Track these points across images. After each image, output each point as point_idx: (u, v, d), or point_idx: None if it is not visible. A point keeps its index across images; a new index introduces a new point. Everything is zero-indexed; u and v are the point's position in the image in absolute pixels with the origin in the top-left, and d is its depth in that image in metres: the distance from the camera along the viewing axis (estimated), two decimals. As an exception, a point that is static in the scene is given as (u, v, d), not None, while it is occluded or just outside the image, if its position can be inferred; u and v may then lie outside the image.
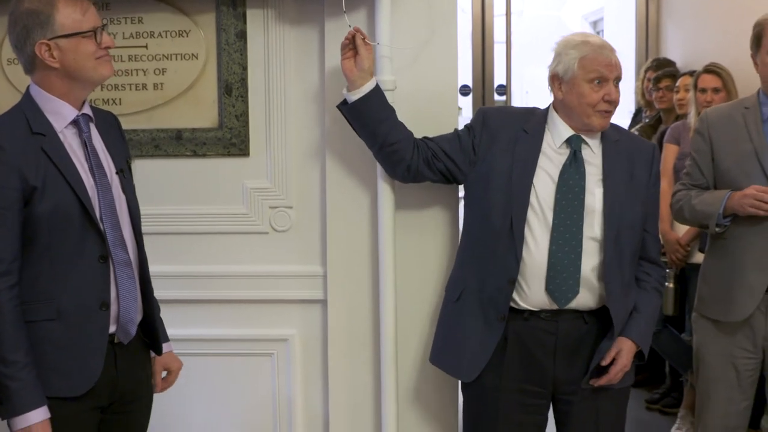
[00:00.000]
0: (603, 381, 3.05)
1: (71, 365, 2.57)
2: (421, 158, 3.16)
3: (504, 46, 7.28)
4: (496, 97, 7.34)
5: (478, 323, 3.09)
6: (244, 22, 3.41)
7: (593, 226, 3.04)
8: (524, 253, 3.02)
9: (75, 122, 2.64)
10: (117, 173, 2.72)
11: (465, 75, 7.12)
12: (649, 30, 7.44)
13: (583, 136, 3.10)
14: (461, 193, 3.32)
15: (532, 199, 3.04)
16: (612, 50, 3.07)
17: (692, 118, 4.93)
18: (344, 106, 3.18)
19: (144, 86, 3.46)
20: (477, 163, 3.14)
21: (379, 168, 3.31)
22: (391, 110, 3.19)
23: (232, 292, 3.50)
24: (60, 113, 2.61)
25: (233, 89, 3.44)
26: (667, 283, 4.96)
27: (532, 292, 3.04)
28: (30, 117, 2.57)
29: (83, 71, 2.61)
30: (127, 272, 2.67)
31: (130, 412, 2.80)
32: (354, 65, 3.14)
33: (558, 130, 3.11)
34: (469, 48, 7.19)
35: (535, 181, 3.05)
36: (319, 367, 3.54)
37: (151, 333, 2.87)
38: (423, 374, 3.44)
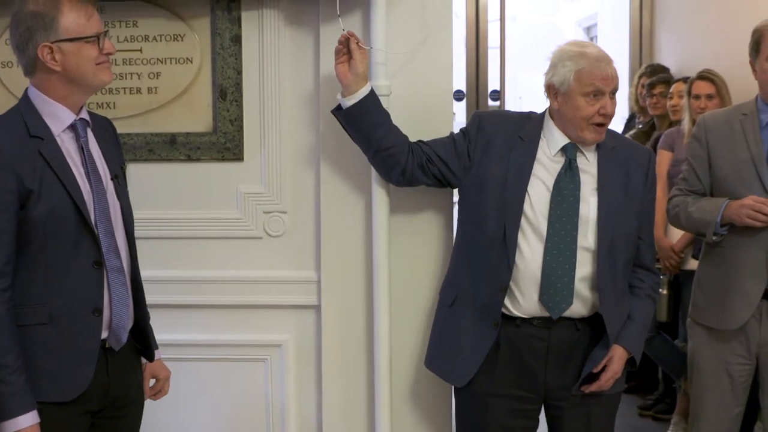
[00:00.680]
0: (594, 387, 3.05)
1: (62, 370, 2.56)
2: (415, 162, 3.15)
3: (498, 51, 7.29)
4: (490, 102, 7.35)
5: (472, 329, 3.09)
6: (239, 26, 3.41)
7: (587, 235, 3.03)
8: (517, 262, 3.02)
9: (72, 126, 2.63)
10: (112, 179, 2.71)
11: (459, 80, 7.12)
12: (642, 36, 7.46)
13: (579, 145, 3.09)
14: (456, 197, 3.32)
15: (526, 207, 3.03)
16: (609, 62, 3.04)
17: (686, 125, 4.94)
18: (339, 112, 3.18)
19: (138, 90, 3.46)
20: (471, 168, 3.14)
21: (373, 172, 3.30)
22: (386, 115, 3.18)
23: (225, 297, 3.49)
24: (58, 117, 2.60)
25: (228, 94, 3.43)
26: (660, 290, 4.96)
27: (524, 301, 3.03)
28: (28, 120, 2.57)
29: (84, 76, 2.60)
30: (119, 279, 2.66)
31: (121, 417, 2.79)
32: (348, 70, 3.13)
33: (554, 138, 3.10)
34: (463, 53, 7.20)
35: (529, 188, 3.04)
36: (312, 372, 3.53)
37: (143, 339, 2.86)
38: (417, 379, 3.44)
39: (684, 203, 3.54)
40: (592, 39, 10.83)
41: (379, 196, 3.32)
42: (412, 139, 3.20)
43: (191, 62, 3.45)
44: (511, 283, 3.02)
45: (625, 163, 3.13)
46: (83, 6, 2.60)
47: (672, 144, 5.09)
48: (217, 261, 3.50)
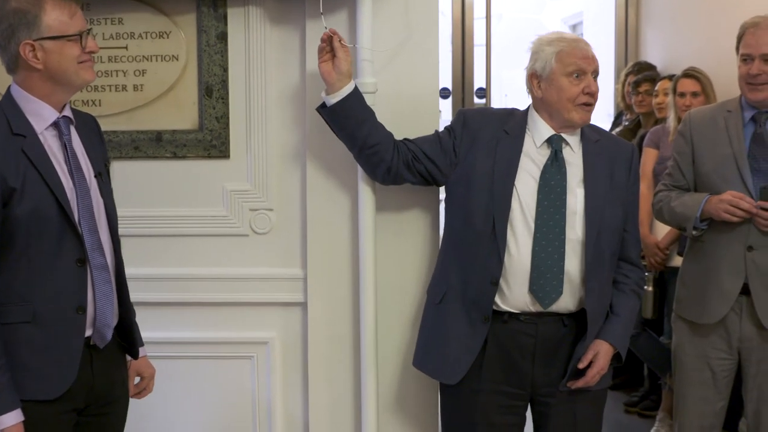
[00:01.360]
0: (580, 383, 3.06)
1: (47, 368, 2.56)
2: (401, 160, 3.16)
3: (483, 49, 7.30)
4: (476, 99, 7.35)
5: (462, 325, 3.09)
6: (225, 23, 3.41)
7: (575, 227, 3.05)
8: (506, 255, 3.03)
9: (55, 124, 2.62)
10: (95, 176, 2.71)
11: (445, 78, 7.12)
12: (628, 34, 7.47)
13: (564, 136, 3.11)
14: (442, 195, 3.32)
15: (514, 200, 3.04)
16: (587, 44, 3.10)
17: (671, 122, 4.96)
18: (323, 109, 3.18)
19: (124, 87, 3.45)
20: (458, 165, 3.14)
21: (359, 170, 3.30)
22: (371, 112, 3.18)
23: (211, 294, 3.49)
24: (41, 115, 2.59)
25: (214, 91, 3.43)
26: (645, 287, 4.95)
27: (513, 294, 3.04)
28: (10, 118, 2.55)
29: (66, 74, 2.60)
30: (104, 276, 2.65)
31: (106, 414, 2.78)
32: (332, 68, 3.13)
33: (539, 130, 3.12)
34: (449, 51, 7.20)
35: (516, 182, 3.06)
36: (299, 369, 3.53)
37: (128, 337, 2.86)
38: (403, 377, 3.44)
39: (667, 198, 3.56)
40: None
41: (366, 193, 3.32)
42: (399, 136, 3.20)
43: (177, 59, 3.44)
44: (501, 277, 3.03)
45: (609, 155, 3.15)
46: (66, 4, 2.59)
47: (657, 141, 5.11)
48: (203, 258, 3.50)
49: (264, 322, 3.52)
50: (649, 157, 5.09)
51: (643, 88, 5.74)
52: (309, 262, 3.45)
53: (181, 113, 3.46)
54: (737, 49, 3.47)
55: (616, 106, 6.73)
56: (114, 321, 2.73)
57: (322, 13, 3.22)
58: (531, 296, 3.03)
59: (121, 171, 3.41)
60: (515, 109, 3.25)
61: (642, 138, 5.35)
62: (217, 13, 3.41)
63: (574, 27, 10.99)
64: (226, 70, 3.43)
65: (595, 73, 3.07)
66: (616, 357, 3.14)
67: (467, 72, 7.21)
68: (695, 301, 3.54)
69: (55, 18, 2.56)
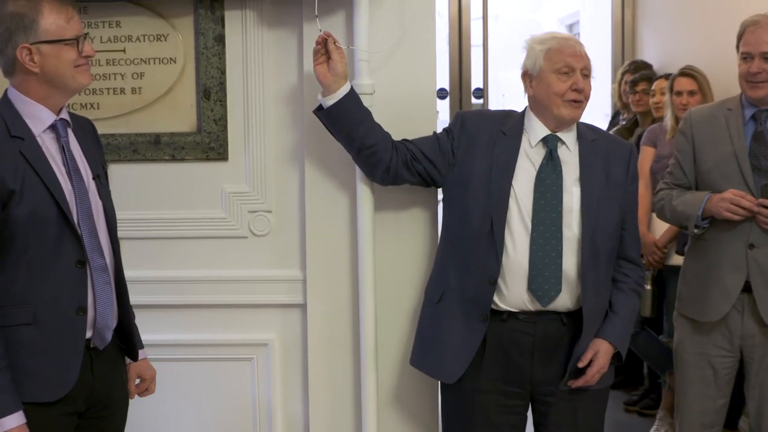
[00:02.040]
0: (580, 383, 3.07)
1: (47, 370, 2.56)
2: (400, 160, 3.17)
3: (481, 49, 7.29)
4: (473, 100, 7.35)
5: (460, 324, 3.10)
6: (222, 26, 3.41)
7: (571, 225, 3.06)
8: (504, 254, 3.04)
9: (53, 127, 2.63)
10: (93, 178, 2.71)
11: (442, 78, 7.12)
12: (625, 33, 7.47)
13: (560, 135, 3.12)
14: (440, 195, 3.32)
15: (511, 199, 3.05)
16: (578, 43, 3.12)
17: (668, 121, 4.96)
18: (320, 112, 3.18)
19: (122, 90, 3.45)
20: (456, 165, 3.15)
21: (358, 171, 3.31)
22: (368, 113, 3.19)
23: (211, 296, 3.49)
24: (38, 117, 2.60)
25: (212, 93, 3.43)
26: (645, 285, 4.98)
27: (511, 293, 3.05)
28: (8, 120, 2.56)
29: (62, 78, 2.60)
30: (103, 278, 2.66)
31: (106, 416, 2.79)
32: (327, 70, 3.14)
33: (534, 130, 3.13)
34: (446, 51, 7.20)
35: (513, 182, 3.07)
36: (298, 371, 3.53)
37: (127, 339, 2.86)
38: (403, 377, 3.44)
39: (669, 196, 3.57)
40: (574, 36, 10.84)
41: (364, 194, 3.33)
42: (397, 137, 3.21)
43: (175, 62, 3.45)
44: (499, 276, 3.04)
45: (606, 155, 3.16)
46: (63, 8, 2.60)
47: (655, 140, 5.11)
48: (202, 261, 3.50)
49: (263, 324, 3.52)
50: (646, 156, 5.09)
51: (640, 87, 5.74)
52: (308, 264, 3.45)
53: (179, 116, 3.47)
54: (737, 47, 3.48)
55: (613, 105, 6.73)
56: (114, 322, 2.74)
57: (317, 16, 3.22)
58: (529, 295, 3.04)
59: (119, 174, 3.41)
60: (513, 110, 3.27)
61: (639, 137, 5.35)
62: (214, 16, 3.41)
63: (570, 27, 11.00)
64: (223, 72, 3.43)
65: (586, 71, 3.09)
66: (616, 356, 3.15)
67: (464, 72, 7.21)
68: (697, 299, 3.55)
69: (52, 22, 2.57)
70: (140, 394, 3.00)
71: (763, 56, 3.38)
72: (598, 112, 7.73)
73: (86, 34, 2.66)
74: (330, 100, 3.13)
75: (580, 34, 9.99)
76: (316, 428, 3.51)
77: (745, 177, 3.40)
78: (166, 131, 3.46)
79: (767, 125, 3.45)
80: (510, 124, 3.17)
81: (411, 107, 3.37)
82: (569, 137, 3.14)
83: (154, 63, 3.45)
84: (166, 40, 3.44)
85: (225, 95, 3.44)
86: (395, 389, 3.48)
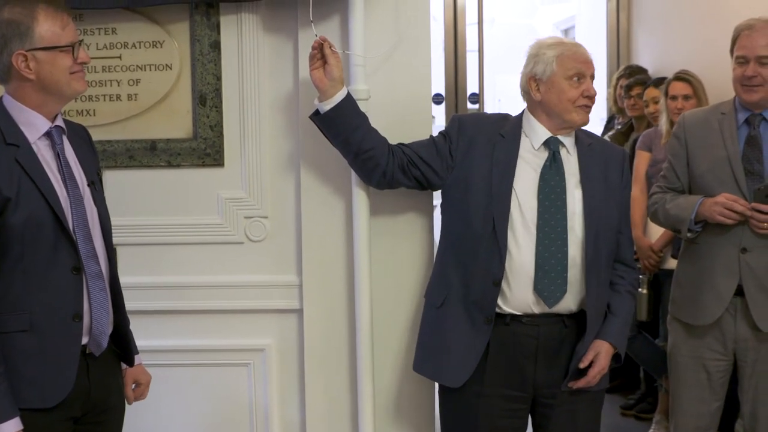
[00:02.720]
0: (582, 383, 3.08)
1: (44, 376, 2.56)
2: (396, 164, 3.17)
3: (476, 54, 7.30)
4: (469, 105, 7.37)
5: (465, 327, 3.11)
6: (218, 32, 3.41)
7: (574, 227, 3.08)
8: (507, 256, 3.05)
9: (48, 134, 2.63)
10: (88, 185, 2.72)
11: (437, 83, 7.13)
12: (620, 37, 7.49)
13: (560, 138, 3.14)
14: (436, 200, 3.33)
15: (513, 201, 3.07)
16: (586, 49, 3.17)
17: (663, 125, 4.97)
18: (317, 117, 3.19)
19: (118, 97, 3.46)
20: (455, 168, 3.16)
21: (353, 176, 3.31)
22: (364, 117, 3.20)
23: (207, 302, 3.49)
24: (33, 125, 2.61)
25: (207, 99, 3.44)
26: (640, 289, 4.99)
27: (515, 295, 3.06)
28: (3, 128, 2.57)
29: (58, 85, 2.61)
30: (99, 284, 2.67)
31: (102, 422, 2.79)
32: (324, 75, 3.14)
33: (536, 133, 3.15)
34: (442, 56, 7.20)
35: (515, 183, 3.09)
36: (295, 376, 3.53)
37: (123, 345, 2.87)
38: (400, 382, 3.45)
39: (662, 200, 3.58)
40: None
41: (360, 199, 3.33)
42: (392, 142, 3.21)
43: (170, 68, 3.45)
44: (503, 278, 3.06)
45: (603, 158, 3.21)
46: (59, 15, 2.61)
47: (650, 144, 5.12)
48: (198, 266, 3.50)
49: (260, 329, 3.52)
50: (641, 160, 5.11)
51: (635, 91, 5.75)
52: (304, 269, 3.45)
53: (175, 122, 3.47)
54: (731, 51, 3.49)
55: (609, 109, 6.74)
56: (109, 328, 2.74)
57: (312, 21, 3.23)
58: (535, 296, 3.05)
59: (115, 180, 3.42)
60: (508, 114, 3.28)
61: (635, 141, 5.36)
62: (210, 22, 3.41)
63: (566, 31, 11.01)
64: (219, 78, 3.44)
65: (593, 77, 3.14)
66: (615, 357, 3.17)
67: (460, 77, 7.21)
68: (690, 303, 3.56)
69: (47, 29, 2.58)
70: (130, 402, 3.00)
71: (759, 60, 3.38)
72: (593, 116, 7.72)
73: (81, 40, 2.67)
74: (327, 105, 3.14)
75: (576, 39, 10.00)
76: (312, 433, 3.52)
77: (738, 181, 3.40)
78: (162, 137, 3.47)
79: (760, 129, 3.46)
80: (507, 126, 3.18)
81: (406, 112, 3.38)
82: (569, 140, 3.17)
83: (150, 69, 3.45)
84: (161, 47, 3.44)
85: (221, 101, 3.44)
86: (392, 394, 3.48)
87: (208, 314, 3.51)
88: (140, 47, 3.44)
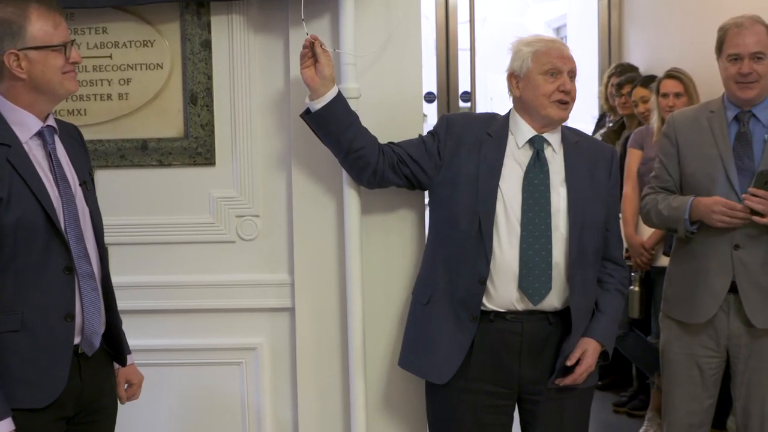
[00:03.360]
0: (568, 381, 3.09)
1: (36, 376, 2.56)
2: (386, 163, 3.18)
3: (468, 52, 7.31)
4: (461, 103, 7.37)
5: (450, 325, 3.11)
6: (209, 31, 3.41)
7: (559, 224, 3.09)
8: (492, 254, 3.05)
9: (40, 134, 2.63)
10: (80, 185, 2.72)
11: (429, 82, 7.14)
12: (611, 36, 7.50)
13: (545, 136, 3.15)
14: (427, 198, 3.33)
15: (499, 200, 3.07)
16: (565, 46, 3.18)
17: (655, 123, 4.98)
18: (308, 115, 3.19)
19: (109, 96, 3.46)
20: (443, 167, 3.17)
21: (344, 174, 3.32)
22: (355, 116, 3.20)
23: (199, 301, 3.49)
24: (25, 124, 2.60)
25: (198, 99, 3.44)
26: (632, 287, 5.00)
27: (500, 293, 3.07)
28: (-6, 127, 2.57)
29: (49, 84, 2.61)
30: (91, 284, 2.66)
31: (94, 422, 2.79)
32: (315, 73, 3.14)
33: (521, 131, 3.16)
34: (434, 55, 7.21)
35: (501, 182, 3.09)
36: (287, 375, 3.54)
37: (115, 344, 2.86)
38: (391, 380, 3.45)
39: (654, 201, 3.58)
40: (561, 39, 10.87)
41: (351, 197, 3.33)
42: (383, 141, 3.22)
43: (161, 68, 3.45)
44: (488, 277, 3.06)
45: (589, 157, 3.21)
46: (51, 14, 2.60)
47: (641, 142, 5.13)
48: (190, 266, 3.51)
49: (252, 328, 3.52)
50: (633, 158, 5.11)
51: (626, 89, 5.76)
52: (296, 268, 3.46)
53: (166, 121, 3.47)
54: (718, 50, 3.50)
55: (600, 107, 6.75)
56: (102, 328, 2.74)
57: (303, 19, 3.23)
58: (519, 293, 3.06)
59: (107, 180, 3.41)
60: (496, 113, 3.29)
61: (626, 139, 5.37)
62: (200, 21, 3.41)
63: (557, 30, 11.02)
64: (210, 77, 3.44)
65: (572, 74, 3.13)
66: (602, 355, 3.18)
67: (452, 76, 7.22)
68: (684, 301, 3.56)
69: (39, 28, 2.57)
70: (123, 401, 3.00)
71: (753, 56, 3.40)
72: (585, 115, 7.74)
73: (73, 40, 2.67)
74: (318, 104, 3.14)
75: (567, 37, 10.01)
76: (305, 431, 3.51)
77: (730, 178, 3.41)
78: (153, 137, 3.47)
79: (750, 126, 3.47)
80: (495, 126, 3.19)
81: (398, 111, 3.39)
82: (554, 138, 3.18)
83: (141, 69, 3.45)
84: (152, 46, 3.44)
85: (212, 100, 3.44)
86: (384, 392, 3.49)
87: (199, 313, 3.51)
88: (131, 46, 3.44)
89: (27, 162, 2.57)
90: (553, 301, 3.09)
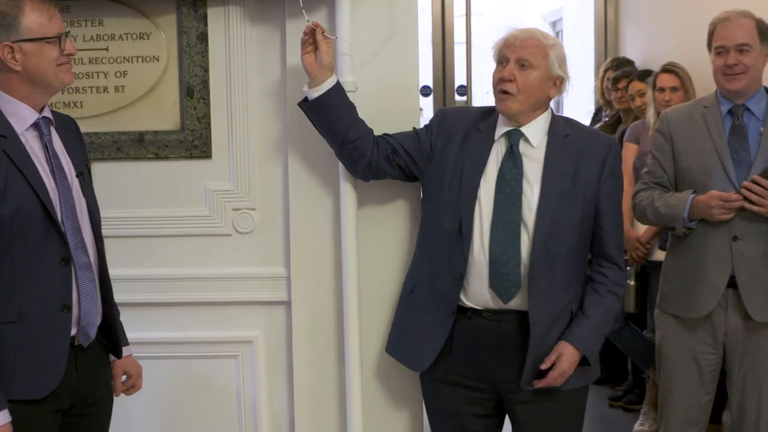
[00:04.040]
0: (541, 384, 3.03)
1: (32, 368, 2.57)
2: (381, 154, 3.17)
3: (464, 46, 7.31)
4: (457, 97, 7.36)
5: (429, 317, 3.13)
6: (205, 24, 3.41)
7: (528, 223, 3.02)
8: (470, 251, 3.03)
9: (36, 125, 2.64)
10: (77, 176, 2.72)
11: (425, 76, 7.13)
12: (608, 30, 7.49)
13: (523, 130, 3.08)
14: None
15: (479, 196, 3.05)
16: (525, 33, 3.06)
17: (651, 117, 4.98)
18: (305, 104, 3.19)
19: (105, 89, 3.45)
20: (433, 161, 3.16)
21: (341, 168, 3.32)
22: (352, 107, 3.19)
23: (195, 294, 3.49)
24: (21, 116, 2.61)
25: (195, 91, 3.43)
26: (628, 281, 5.00)
27: (475, 290, 3.05)
28: (-9, 119, 2.56)
29: (44, 76, 2.61)
30: (87, 275, 2.67)
31: (91, 414, 2.80)
32: (314, 60, 3.13)
33: (500, 125, 3.12)
34: (430, 48, 7.21)
35: (483, 178, 3.06)
36: (283, 368, 3.54)
37: (111, 336, 2.87)
38: (387, 372, 3.45)
39: (650, 198, 3.57)
40: (557, 33, 10.89)
41: (347, 190, 3.33)
42: (379, 134, 3.22)
43: (158, 60, 3.45)
44: (465, 273, 3.05)
45: (578, 151, 3.09)
46: (45, 6, 2.60)
47: (638, 137, 5.13)
48: (186, 258, 3.50)
49: (248, 321, 3.52)
50: (629, 152, 5.11)
51: (622, 84, 5.75)
52: (292, 261, 3.45)
53: (162, 114, 3.47)
54: (708, 44, 3.53)
55: (596, 102, 6.76)
56: (98, 320, 2.75)
57: (303, 7, 3.22)
58: (491, 293, 3.03)
59: (103, 172, 3.41)
60: (493, 107, 3.23)
61: (622, 133, 5.37)
62: (197, 14, 3.41)
63: (554, 24, 11.03)
64: (206, 70, 3.43)
65: (521, 61, 3.00)
66: (586, 358, 3.09)
67: (448, 69, 7.22)
68: (682, 296, 3.56)
69: (33, 20, 2.57)
70: (127, 392, 3.00)
71: (738, 48, 3.43)
72: (581, 109, 7.76)
73: (68, 32, 2.66)
74: (316, 92, 3.13)
75: (563, 31, 10.03)
76: (301, 424, 3.51)
77: (727, 171, 3.42)
78: (149, 129, 3.46)
79: (744, 119, 3.48)
80: (487, 121, 3.16)
81: (393, 104, 3.38)
82: (534, 132, 3.10)
83: (137, 61, 3.44)
84: (148, 39, 3.44)
85: (208, 93, 3.44)
86: (380, 384, 3.49)
87: (196, 306, 3.51)
88: (127, 39, 3.44)
89: (23, 153, 2.57)
90: (524, 300, 3.03)
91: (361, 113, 3.21)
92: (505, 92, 3.02)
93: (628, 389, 5.62)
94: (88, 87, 3.45)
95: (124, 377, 2.99)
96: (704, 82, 4.52)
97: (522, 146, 3.08)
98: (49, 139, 2.66)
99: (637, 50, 6.90)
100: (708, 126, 3.50)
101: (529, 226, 3.02)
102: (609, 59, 6.66)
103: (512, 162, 3.06)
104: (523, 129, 3.09)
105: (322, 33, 3.14)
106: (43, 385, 2.58)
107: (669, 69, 5.01)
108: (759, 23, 3.46)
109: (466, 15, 7.24)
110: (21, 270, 2.55)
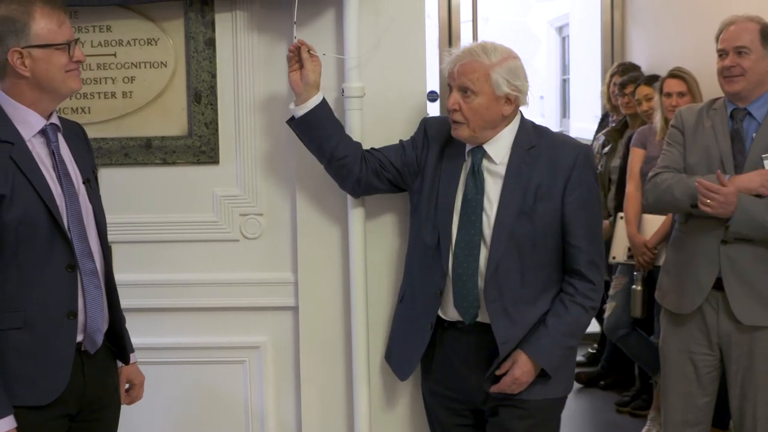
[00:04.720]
0: (495, 389, 3.02)
1: (38, 374, 2.57)
2: (369, 170, 3.17)
3: (471, 52, 7.29)
4: (463, 103, 7.33)
5: (411, 327, 3.16)
6: (213, 29, 3.41)
7: (488, 240, 2.98)
8: (448, 266, 3.03)
9: (43, 131, 2.63)
10: (84, 183, 2.72)
11: (432, 81, 7.13)
12: (614, 35, 7.48)
13: (485, 147, 3.03)
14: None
15: (454, 211, 3.03)
16: (463, 56, 3.00)
17: (658, 122, 4.97)
18: (292, 121, 3.19)
19: (113, 94, 3.46)
20: (419, 174, 3.16)
21: (349, 174, 3.32)
22: (339, 125, 3.19)
23: (203, 300, 3.50)
24: (28, 122, 2.61)
25: (202, 97, 3.44)
26: (634, 286, 5.00)
27: (448, 306, 3.06)
28: (-2, 125, 2.57)
29: (53, 83, 2.61)
30: (94, 282, 2.67)
31: (97, 420, 2.79)
32: (300, 78, 3.13)
33: (465, 144, 3.08)
34: (436, 54, 7.21)
35: (457, 193, 3.04)
36: (291, 373, 3.54)
37: (118, 342, 2.87)
38: (395, 378, 3.43)
39: (678, 177, 3.50)
40: (563, 38, 10.90)
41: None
42: (386, 141, 3.23)
43: (165, 66, 3.45)
44: (443, 288, 3.05)
45: (541, 164, 3.01)
46: (55, 13, 2.60)
47: (645, 142, 5.12)
48: (194, 264, 3.51)
49: (255, 327, 3.53)
50: (636, 157, 5.11)
51: (629, 89, 5.75)
52: (299, 266, 3.46)
53: (170, 119, 3.47)
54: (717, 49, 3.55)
55: (603, 107, 6.75)
56: (104, 326, 2.75)
57: (295, 22, 3.21)
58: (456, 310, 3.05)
59: (110, 178, 3.41)
60: None
61: (629, 138, 5.37)
62: (204, 20, 3.41)
63: (560, 29, 11.04)
64: (214, 76, 3.44)
65: (463, 88, 2.97)
66: (544, 370, 3.03)
67: (454, 75, 7.20)
68: (674, 290, 3.62)
69: (43, 26, 2.57)
70: (128, 402, 3.01)
71: (737, 50, 3.45)
72: (587, 114, 7.75)
73: (77, 39, 2.67)
74: (301, 110, 3.13)
75: (570, 37, 10.03)
76: (308, 430, 3.51)
77: (727, 173, 3.42)
78: (157, 135, 3.47)
79: (743, 124, 3.51)
80: None
81: (401, 110, 3.38)
82: (497, 148, 3.03)
83: (145, 67, 3.45)
84: (156, 44, 3.44)
85: (216, 99, 3.44)
86: (387, 391, 3.49)
87: (203, 312, 3.51)
88: (135, 45, 3.44)
89: (30, 160, 2.57)
90: (487, 318, 3.02)
91: (369, 119, 3.21)
92: (455, 121, 3.00)
93: (635, 395, 5.60)
94: (96, 93, 3.45)
95: (126, 386, 2.99)
96: (711, 87, 4.50)
97: (485, 163, 3.04)
98: (56, 146, 2.66)
99: (643, 55, 6.90)
100: (714, 128, 3.53)
101: (489, 245, 2.98)
102: (615, 64, 6.65)
103: (473, 182, 3.02)
104: (485, 146, 3.03)
105: (308, 51, 3.13)
106: (49, 391, 2.58)
107: (676, 74, 5.00)
108: (763, 27, 3.47)
109: (473, 20, 7.23)
110: (27, 276, 2.55)
